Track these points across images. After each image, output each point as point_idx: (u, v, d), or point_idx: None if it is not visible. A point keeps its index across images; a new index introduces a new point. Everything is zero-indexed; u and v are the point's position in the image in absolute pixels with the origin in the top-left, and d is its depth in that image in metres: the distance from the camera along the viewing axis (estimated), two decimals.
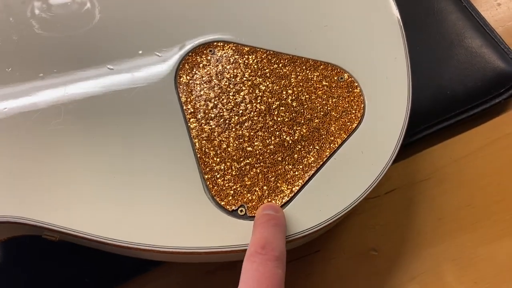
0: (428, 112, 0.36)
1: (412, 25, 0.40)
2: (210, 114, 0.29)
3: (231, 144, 0.28)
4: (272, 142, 0.28)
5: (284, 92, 0.30)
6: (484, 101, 0.36)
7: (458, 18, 0.40)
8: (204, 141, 0.28)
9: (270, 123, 0.29)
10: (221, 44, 0.31)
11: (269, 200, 0.27)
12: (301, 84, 0.30)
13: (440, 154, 0.36)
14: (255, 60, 0.31)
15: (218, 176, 0.27)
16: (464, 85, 0.37)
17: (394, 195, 0.35)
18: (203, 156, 0.28)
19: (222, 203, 0.27)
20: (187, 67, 0.30)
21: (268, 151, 0.28)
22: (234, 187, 0.27)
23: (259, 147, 0.28)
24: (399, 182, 0.36)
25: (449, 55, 0.38)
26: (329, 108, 0.29)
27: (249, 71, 0.30)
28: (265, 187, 0.27)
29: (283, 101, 0.30)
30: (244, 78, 0.30)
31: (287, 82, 0.30)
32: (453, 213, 0.34)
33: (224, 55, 0.31)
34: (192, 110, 0.29)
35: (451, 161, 0.36)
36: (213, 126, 0.29)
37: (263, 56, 0.31)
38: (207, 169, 0.27)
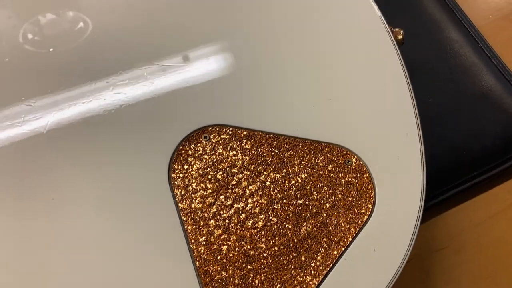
0: (442, 176, 0.33)
1: (424, 72, 0.37)
2: (208, 214, 0.27)
3: (232, 248, 0.26)
4: (277, 242, 0.26)
5: (287, 182, 0.28)
6: (503, 161, 0.34)
7: (474, 63, 0.37)
8: (203, 247, 0.26)
9: (274, 220, 0.27)
10: (217, 128, 0.29)
11: None
12: (305, 170, 0.28)
13: (456, 219, 0.34)
14: (254, 145, 0.28)
15: (219, 287, 0.25)
16: (481, 143, 0.34)
17: (409, 267, 0.33)
18: (202, 265, 0.26)
19: None
20: (181, 158, 0.28)
21: (272, 253, 0.26)
22: None
23: (263, 249, 0.26)
24: (413, 252, 0.34)
25: (465, 107, 0.36)
26: (336, 199, 0.27)
27: (248, 159, 0.28)
28: None
29: (286, 193, 0.27)
30: (243, 168, 0.28)
31: (289, 169, 0.28)
32: (473, 286, 0.32)
33: (220, 141, 0.28)
34: (188, 210, 0.27)
35: (469, 227, 0.33)
36: (212, 228, 0.26)
37: (262, 141, 0.28)
38: (207, 279, 0.25)
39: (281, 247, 0.26)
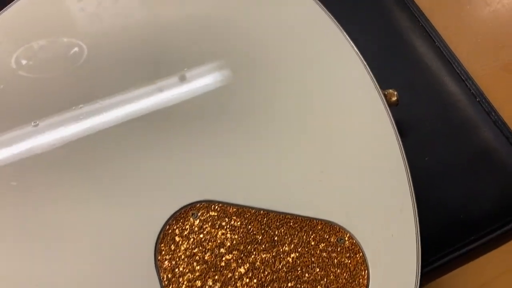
0: (439, 242, 0.32)
1: (420, 128, 0.36)
2: None
3: None
4: None
5: (278, 262, 0.27)
6: (501, 225, 0.33)
7: (472, 118, 0.36)
8: None
9: None
10: (205, 205, 0.28)
11: None
12: (297, 249, 0.27)
13: (452, 285, 0.33)
14: (244, 223, 0.27)
15: None
16: (479, 206, 0.33)
17: None
18: None
19: None
20: (168, 238, 0.27)
21: None
22: None
23: None
24: None
25: (462, 166, 0.35)
26: (328, 281, 0.26)
27: (237, 237, 0.27)
28: None
29: (277, 275, 0.26)
30: (232, 248, 0.27)
31: (280, 249, 0.27)
32: None
33: (209, 218, 0.27)
34: None
35: None
36: None
37: (252, 218, 0.28)
38: None
39: None
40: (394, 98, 0.33)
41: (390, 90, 0.33)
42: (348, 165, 0.29)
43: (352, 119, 0.30)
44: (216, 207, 0.28)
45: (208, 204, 0.28)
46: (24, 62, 0.32)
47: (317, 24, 0.35)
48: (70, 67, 0.31)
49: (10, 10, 0.34)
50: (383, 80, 0.38)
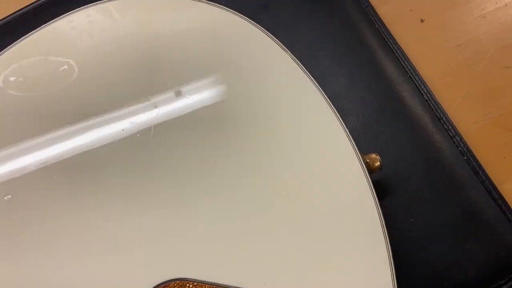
0: None
1: (405, 188, 0.35)
2: None
3: None
4: None
5: None
6: None
7: (459, 178, 0.35)
8: None
9: None
10: (179, 283, 0.27)
11: None
12: None
13: None
14: None
15: None
16: (464, 273, 0.32)
17: None
18: None
19: None
20: None
21: None
22: None
23: None
24: None
25: (448, 229, 0.34)
26: None
27: None
28: None
29: None
30: None
31: None
32: None
33: None
34: None
35: None
36: None
37: None
38: None
39: None
40: (377, 164, 0.32)
41: (373, 155, 0.32)
42: (325, 240, 0.28)
43: (331, 190, 0.30)
44: (190, 285, 0.27)
45: (182, 283, 0.27)
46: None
47: (292, 81, 0.34)
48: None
49: None
50: (365, 138, 0.38)
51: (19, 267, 0.27)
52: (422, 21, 0.41)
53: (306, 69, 0.38)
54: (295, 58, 0.37)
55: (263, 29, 0.38)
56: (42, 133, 0.31)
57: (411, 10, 0.42)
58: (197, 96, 0.33)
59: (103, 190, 0.30)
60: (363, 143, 0.37)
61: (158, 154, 0.31)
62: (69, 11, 0.36)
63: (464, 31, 0.40)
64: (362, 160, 0.31)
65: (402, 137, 0.37)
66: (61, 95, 0.33)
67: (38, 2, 0.46)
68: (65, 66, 0.34)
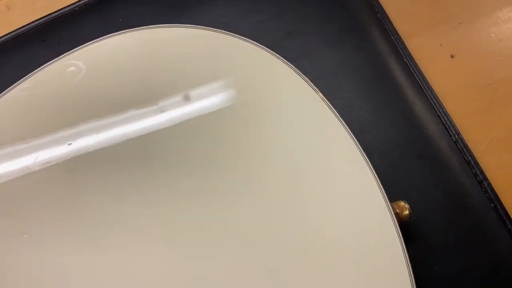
0: None
1: (432, 235, 0.34)
2: None
3: None
4: None
5: None
6: None
7: (487, 225, 0.34)
8: None
9: None
10: None
11: None
12: None
13: None
14: None
15: None
16: None
17: None
18: None
19: None
20: None
21: None
22: None
23: None
24: None
25: (474, 279, 0.33)
26: None
27: None
28: None
29: None
30: None
31: None
32: None
33: None
34: None
35: None
36: None
37: None
38: None
39: None
40: (406, 212, 0.31)
41: (401, 203, 0.31)
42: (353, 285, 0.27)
43: (358, 238, 0.29)
44: None
45: None
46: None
47: (314, 113, 0.33)
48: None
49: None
50: (389, 179, 0.37)
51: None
52: (452, 56, 0.40)
53: (330, 101, 0.37)
54: (316, 89, 0.36)
55: (283, 59, 0.37)
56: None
57: (441, 45, 0.41)
58: (215, 131, 0.33)
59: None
60: (388, 184, 0.36)
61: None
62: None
63: (496, 69, 0.39)
64: (391, 210, 0.30)
65: (428, 179, 0.36)
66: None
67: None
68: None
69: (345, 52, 0.41)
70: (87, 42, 0.43)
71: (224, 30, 0.37)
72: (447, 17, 0.41)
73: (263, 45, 0.37)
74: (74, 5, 0.45)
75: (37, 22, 0.44)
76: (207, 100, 0.34)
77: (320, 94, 0.35)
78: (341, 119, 0.34)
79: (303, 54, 0.41)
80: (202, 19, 0.44)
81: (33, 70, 0.36)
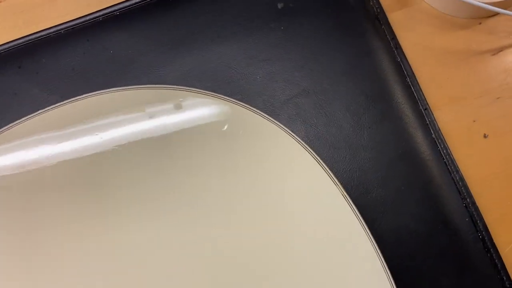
0: None
1: None
2: None
3: None
4: None
5: None
6: None
7: None
8: None
9: None
10: None
11: None
12: None
13: None
14: None
15: None
16: None
17: None
18: None
19: None
20: None
21: None
22: None
23: None
24: None
25: None
26: None
27: None
28: None
29: None
30: None
31: None
32: None
33: None
34: None
35: None
36: None
37: None
38: None
39: None
40: None
41: None
42: None
43: None
44: None
45: None
46: None
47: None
48: None
49: None
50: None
51: None
52: (485, 136, 0.36)
53: (343, 174, 0.33)
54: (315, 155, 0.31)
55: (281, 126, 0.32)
56: None
57: (474, 121, 0.36)
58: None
59: None
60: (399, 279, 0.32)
61: None
62: None
63: None
64: None
65: (450, 280, 0.32)
66: None
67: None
68: None
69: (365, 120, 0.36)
70: (69, 74, 0.37)
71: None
72: (484, 91, 0.36)
73: None
74: (59, 27, 0.39)
75: (11, 44, 0.38)
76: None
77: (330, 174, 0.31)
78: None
79: (320, 118, 0.36)
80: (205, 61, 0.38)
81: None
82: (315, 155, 0.29)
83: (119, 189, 0.29)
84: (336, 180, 0.28)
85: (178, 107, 0.32)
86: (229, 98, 0.30)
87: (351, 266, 0.27)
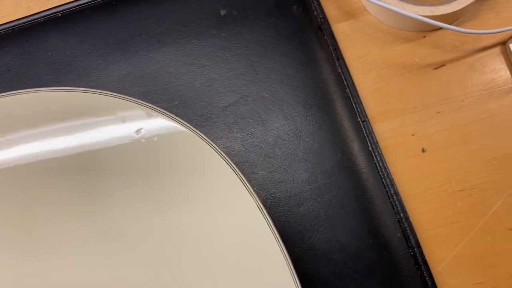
0: None
1: None
2: None
3: None
4: None
5: None
6: None
7: None
8: None
9: None
10: None
11: None
12: None
13: None
14: None
15: None
16: None
17: None
18: None
19: None
20: None
21: None
22: None
23: None
24: None
25: None
26: None
27: None
28: None
29: None
30: None
31: None
32: None
33: None
34: None
35: None
36: None
37: None
38: None
39: None
40: None
41: None
42: None
43: None
44: None
45: None
46: None
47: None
48: None
49: None
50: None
51: None
52: (423, 150, 0.35)
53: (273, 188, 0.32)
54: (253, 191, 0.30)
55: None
56: None
57: (413, 135, 0.35)
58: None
59: None
60: None
61: None
62: None
63: (471, 174, 0.34)
64: None
65: None
66: None
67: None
68: None
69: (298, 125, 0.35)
70: (4, 74, 0.37)
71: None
72: (424, 105, 0.36)
73: None
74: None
75: None
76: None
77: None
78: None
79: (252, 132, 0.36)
80: (140, 65, 0.37)
81: None
82: (233, 164, 0.28)
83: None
84: (252, 191, 0.27)
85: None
86: (152, 106, 0.29)
87: (261, 280, 0.26)
